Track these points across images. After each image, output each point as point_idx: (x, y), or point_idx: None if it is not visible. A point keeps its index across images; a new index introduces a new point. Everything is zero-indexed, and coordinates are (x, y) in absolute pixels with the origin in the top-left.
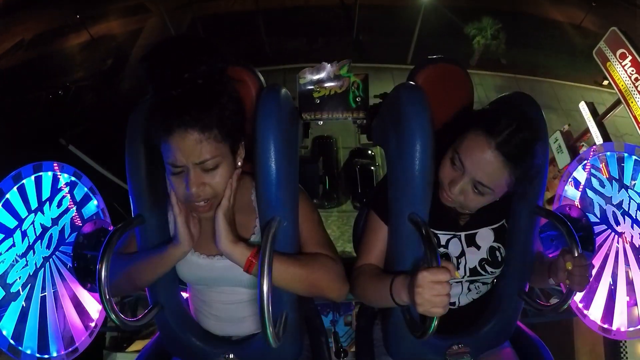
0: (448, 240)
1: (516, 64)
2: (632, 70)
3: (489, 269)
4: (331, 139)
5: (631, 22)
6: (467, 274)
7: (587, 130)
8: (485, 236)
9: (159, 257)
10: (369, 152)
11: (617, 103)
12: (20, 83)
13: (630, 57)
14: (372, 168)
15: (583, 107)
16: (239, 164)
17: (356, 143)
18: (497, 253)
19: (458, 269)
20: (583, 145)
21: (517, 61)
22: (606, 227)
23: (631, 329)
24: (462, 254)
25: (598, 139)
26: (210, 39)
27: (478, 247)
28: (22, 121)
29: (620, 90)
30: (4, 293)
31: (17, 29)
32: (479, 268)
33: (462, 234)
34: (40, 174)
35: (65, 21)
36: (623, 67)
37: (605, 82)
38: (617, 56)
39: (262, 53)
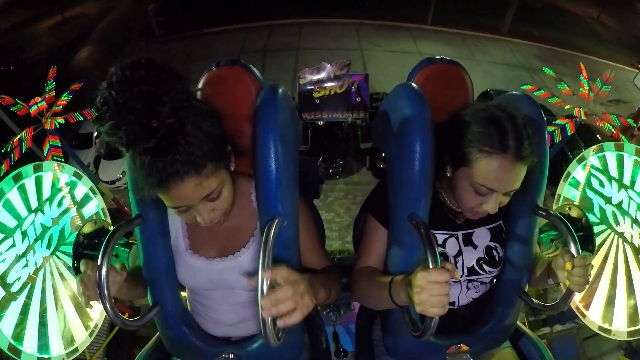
0: (445, 240)
1: (547, 38)
2: None
3: (486, 268)
4: None
5: None
6: (465, 273)
7: None
8: (482, 236)
9: None
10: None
11: None
12: None
13: None
14: None
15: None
16: (232, 168)
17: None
18: (494, 252)
19: (456, 268)
20: None
21: (548, 35)
22: (606, 227)
23: (631, 328)
24: (460, 253)
25: None
26: (155, 61)
27: (475, 247)
28: None
29: None
30: (4, 293)
31: None
32: (476, 267)
33: (460, 233)
34: (41, 173)
35: (42, 9)
36: None
37: None
38: None
39: (246, 8)
